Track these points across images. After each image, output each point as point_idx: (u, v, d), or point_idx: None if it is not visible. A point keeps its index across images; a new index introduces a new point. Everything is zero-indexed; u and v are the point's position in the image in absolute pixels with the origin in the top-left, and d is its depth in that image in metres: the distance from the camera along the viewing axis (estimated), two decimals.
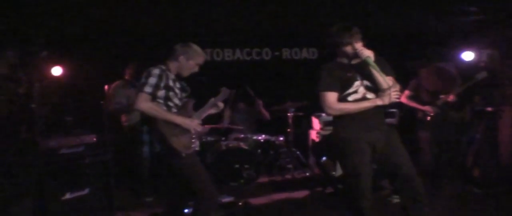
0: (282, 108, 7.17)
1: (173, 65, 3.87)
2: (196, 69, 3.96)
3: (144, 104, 3.57)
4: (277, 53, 8.55)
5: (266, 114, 7.56)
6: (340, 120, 3.72)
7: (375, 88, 3.67)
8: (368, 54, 3.54)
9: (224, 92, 4.26)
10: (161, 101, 3.71)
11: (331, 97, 3.64)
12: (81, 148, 4.89)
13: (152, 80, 3.62)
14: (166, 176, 4.02)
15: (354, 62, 3.72)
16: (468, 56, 7.45)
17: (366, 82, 3.68)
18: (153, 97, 3.64)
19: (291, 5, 6.31)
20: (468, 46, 7.50)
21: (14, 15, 5.37)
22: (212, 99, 4.21)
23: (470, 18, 7.05)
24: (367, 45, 3.65)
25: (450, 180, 6.11)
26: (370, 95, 3.68)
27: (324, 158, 6.30)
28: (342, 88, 3.66)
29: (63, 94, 6.61)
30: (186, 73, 3.92)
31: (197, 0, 5.79)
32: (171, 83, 3.78)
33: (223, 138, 6.95)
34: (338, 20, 6.60)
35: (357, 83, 3.67)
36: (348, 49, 3.62)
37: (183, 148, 3.68)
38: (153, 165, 5.69)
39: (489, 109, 6.29)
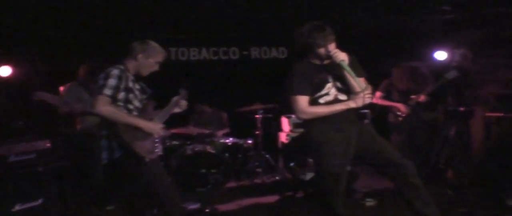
0: (250, 109, 7.07)
1: (131, 65, 3.69)
2: (156, 67, 3.80)
3: (104, 107, 3.39)
4: (245, 53, 8.45)
5: (227, 127, 7.54)
6: (311, 122, 3.72)
7: (347, 89, 3.68)
8: (342, 57, 3.52)
9: (183, 93, 4.15)
10: (121, 104, 3.55)
11: (303, 101, 3.63)
12: (32, 155, 4.68)
13: (112, 82, 3.44)
14: (127, 183, 3.83)
15: (326, 62, 3.68)
16: (441, 55, 7.50)
17: (338, 84, 3.70)
18: (113, 100, 3.46)
19: (260, 3, 6.24)
20: (441, 46, 7.56)
21: None
22: (174, 99, 4.08)
23: (443, 17, 7.09)
24: (339, 44, 3.61)
25: (423, 182, 6.06)
26: (342, 97, 3.70)
27: (292, 163, 6.29)
28: (314, 90, 3.65)
29: (12, 96, 6.41)
30: (145, 72, 3.76)
31: None
32: (131, 85, 3.62)
33: (188, 142, 6.77)
34: (308, 18, 6.58)
35: (329, 85, 3.67)
36: (321, 51, 3.58)
37: (146, 153, 3.54)
38: (112, 172, 5.44)
39: (462, 109, 6.32)
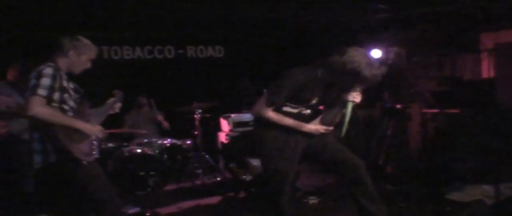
0: (188, 109, 7.00)
1: (62, 62, 3.52)
2: (88, 65, 3.66)
3: (39, 109, 3.21)
4: (181, 51, 8.40)
5: (166, 124, 7.44)
6: (264, 122, 3.75)
7: (315, 109, 3.81)
8: (357, 100, 3.63)
9: (119, 94, 4.06)
10: (55, 104, 3.37)
11: (271, 105, 3.68)
12: None
13: (46, 81, 3.26)
14: (64, 188, 3.64)
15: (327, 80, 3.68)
16: (376, 53, 7.66)
17: (315, 102, 3.78)
18: (49, 100, 3.29)
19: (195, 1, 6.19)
20: (375, 44, 7.72)
21: None
22: (110, 101, 4.00)
23: (379, 16, 7.25)
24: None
25: None
26: (305, 111, 3.80)
27: (232, 164, 6.34)
28: (293, 100, 3.68)
29: None
30: (77, 70, 3.61)
31: None
32: (65, 84, 3.46)
33: (125, 144, 6.64)
34: (243, 17, 6.61)
35: (312, 102, 3.75)
36: (346, 80, 3.57)
37: (84, 156, 3.42)
38: (47, 177, 5.24)
39: (398, 106, 6.52)
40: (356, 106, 6.14)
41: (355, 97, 3.60)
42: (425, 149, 6.61)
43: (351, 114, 3.71)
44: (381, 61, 3.59)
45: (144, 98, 7.42)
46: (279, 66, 8.64)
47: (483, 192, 5.15)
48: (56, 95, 3.36)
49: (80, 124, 3.43)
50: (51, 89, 3.29)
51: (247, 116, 6.96)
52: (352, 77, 3.48)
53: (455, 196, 5.24)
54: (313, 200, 5.54)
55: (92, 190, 3.48)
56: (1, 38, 6.77)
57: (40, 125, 3.32)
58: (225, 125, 7.17)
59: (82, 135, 3.45)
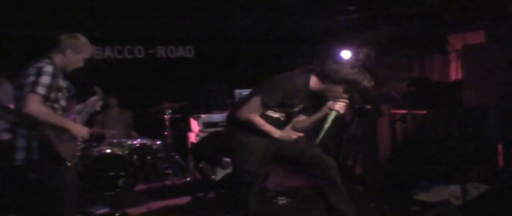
0: (158, 109, 7.03)
1: (59, 59, 3.48)
2: (81, 64, 3.63)
3: (37, 107, 3.18)
4: (151, 51, 8.41)
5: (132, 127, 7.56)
6: (242, 123, 3.79)
7: (290, 114, 3.88)
8: (341, 111, 3.67)
9: (99, 92, 4.02)
10: (48, 103, 3.33)
11: (259, 108, 3.71)
12: None
13: (46, 80, 3.24)
14: (40, 188, 3.56)
15: (313, 88, 3.75)
16: (346, 54, 7.76)
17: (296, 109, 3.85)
18: (46, 99, 3.27)
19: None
20: (345, 45, 7.84)
21: None
22: (92, 99, 3.96)
23: (348, 16, 7.30)
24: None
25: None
26: (282, 117, 3.89)
27: (201, 164, 6.35)
28: (279, 105, 3.73)
29: None
30: (71, 68, 3.57)
31: None
32: (61, 83, 3.44)
33: (94, 144, 6.62)
34: (214, 17, 6.61)
35: (296, 109, 3.83)
36: (338, 90, 3.65)
37: (70, 157, 3.42)
38: (25, 175, 5.19)
39: (369, 107, 6.57)
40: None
41: (342, 107, 3.66)
42: (393, 150, 6.71)
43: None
44: (350, 62, 3.69)
45: (113, 98, 7.42)
46: (250, 66, 8.78)
47: (450, 192, 5.28)
48: (53, 95, 3.34)
49: (70, 125, 3.43)
50: (50, 88, 3.27)
51: (217, 117, 7.00)
52: (350, 87, 3.62)
53: (422, 196, 5.36)
54: (282, 201, 5.61)
55: (61, 196, 3.43)
56: None
57: (32, 123, 3.28)
58: (195, 125, 7.19)
59: (70, 136, 3.43)
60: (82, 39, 3.60)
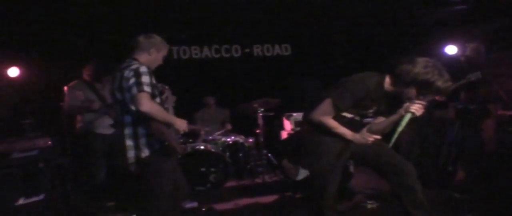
0: (248, 106, 7.18)
1: (144, 59, 3.77)
2: (161, 62, 3.96)
3: (150, 104, 3.50)
4: (247, 50, 8.66)
5: (229, 126, 7.82)
6: (316, 124, 3.81)
7: (364, 115, 3.81)
8: (418, 113, 3.57)
9: (167, 90, 4.27)
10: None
11: (332, 110, 3.70)
12: (35, 151, 4.94)
13: (146, 79, 3.52)
14: (150, 181, 3.79)
15: (388, 90, 3.70)
16: (451, 50, 7.56)
17: (372, 112, 3.81)
18: (152, 97, 3.58)
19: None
20: (451, 39, 7.58)
21: None
22: (164, 97, 4.19)
23: (455, 9, 7.17)
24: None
25: (430, 185, 5.80)
26: (357, 117, 3.81)
27: (283, 163, 6.36)
28: (353, 107, 3.71)
29: (21, 95, 6.68)
30: (154, 66, 3.88)
31: None
32: (154, 81, 3.69)
33: (190, 140, 6.97)
34: (312, 14, 6.56)
35: (370, 111, 3.78)
36: (411, 91, 3.57)
37: (180, 150, 3.75)
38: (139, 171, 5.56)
39: (472, 107, 6.22)
40: (433, 106, 5.97)
41: (418, 109, 3.54)
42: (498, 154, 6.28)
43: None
44: (426, 60, 3.52)
45: (211, 97, 7.86)
46: (346, 64, 8.84)
47: None
48: (155, 92, 3.68)
49: (174, 120, 3.75)
50: (152, 86, 3.57)
51: None
52: (422, 89, 3.49)
53: None
54: (371, 205, 5.46)
55: (161, 189, 3.68)
56: (79, 39, 7.33)
57: (142, 121, 3.59)
58: (287, 124, 7.30)
59: (173, 131, 3.75)
60: (158, 38, 3.90)
